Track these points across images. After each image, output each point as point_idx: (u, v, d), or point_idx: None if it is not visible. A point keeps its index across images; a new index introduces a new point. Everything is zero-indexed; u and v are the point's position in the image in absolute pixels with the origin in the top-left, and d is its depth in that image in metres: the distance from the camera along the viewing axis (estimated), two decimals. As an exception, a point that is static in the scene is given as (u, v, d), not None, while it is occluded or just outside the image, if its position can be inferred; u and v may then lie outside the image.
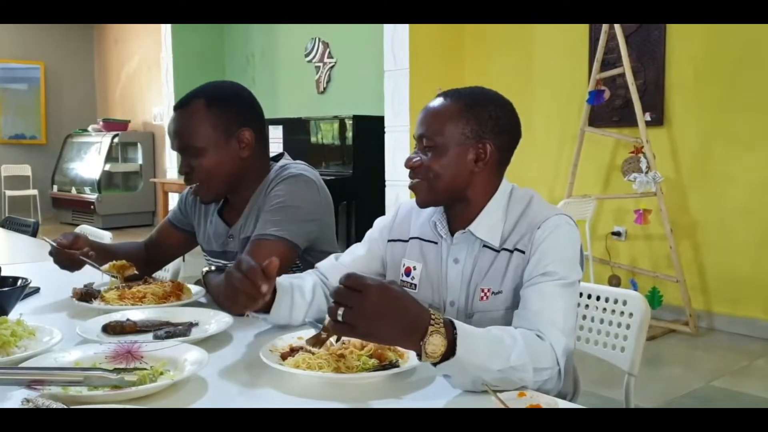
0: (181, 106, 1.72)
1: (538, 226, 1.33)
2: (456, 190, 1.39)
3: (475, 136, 1.37)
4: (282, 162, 1.85)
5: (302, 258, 1.76)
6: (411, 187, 1.43)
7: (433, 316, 1.06)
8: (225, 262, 1.85)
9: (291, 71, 7.35)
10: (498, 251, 1.37)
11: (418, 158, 1.39)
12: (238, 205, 1.83)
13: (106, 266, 1.75)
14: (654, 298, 4.19)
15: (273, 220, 1.69)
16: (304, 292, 1.47)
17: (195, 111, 1.70)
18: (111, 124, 9.67)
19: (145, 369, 1.10)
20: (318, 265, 1.59)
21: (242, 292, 1.24)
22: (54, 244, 1.75)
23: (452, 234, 1.43)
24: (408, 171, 1.43)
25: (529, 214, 1.37)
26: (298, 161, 1.87)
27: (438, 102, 1.40)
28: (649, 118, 4.37)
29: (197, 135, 1.69)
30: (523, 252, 1.34)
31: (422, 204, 1.44)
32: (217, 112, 1.71)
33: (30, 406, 0.94)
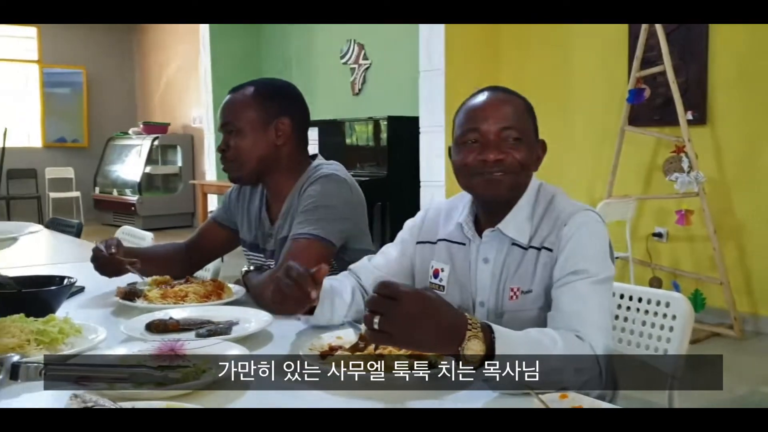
0: (233, 90, 1.86)
1: (564, 223, 1.32)
2: (524, 184, 1.41)
3: (537, 134, 1.41)
4: (315, 162, 1.89)
5: (337, 257, 1.78)
6: (491, 180, 1.35)
7: (470, 321, 1.05)
8: (263, 258, 1.90)
9: (326, 73, 7.40)
10: (526, 249, 1.36)
11: (503, 152, 1.34)
12: (277, 205, 1.88)
13: (149, 279, 1.79)
14: (697, 301, 4.11)
15: (308, 219, 1.73)
16: (343, 294, 1.48)
17: (243, 95, 1.83)
18: (151, 127, 9.85)
19: (187, 366, 1.11)
20: (351, 266, 1.60)
21: (291, 297, 1.29)
22: (121, 257, 1.78)
23: (480, 234, 1.42)
24: (481, 165, 1.35)
25: (554, 211, 1.36)
26: (331, 161, 1.90)
27: (503, 96, 1.39)
28: (690, 117, 4.29)
29: (239, 116, 1.80)
30: (551, 250, 1.32)
31: (502, 199, 1.38)
32: (262, 99, 1.82)
33: (77, 401, 0.96)
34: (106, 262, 1.78)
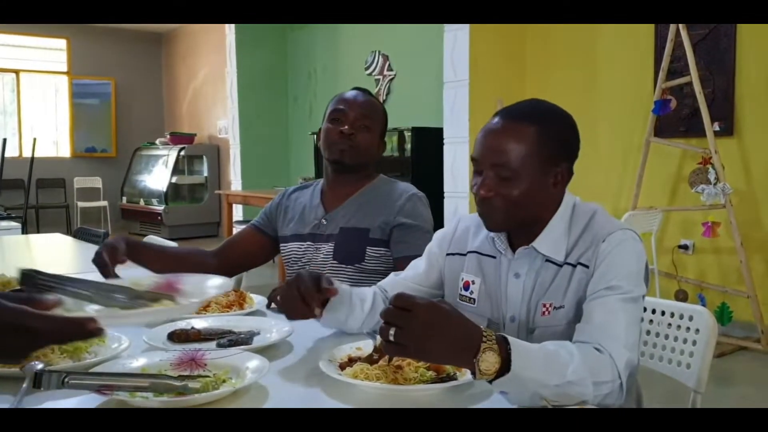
0: (366, 93, 2.11)
1: (602, 239, 1.31)
2: (532, 214, 1.36)
3: (553, 160, 1.34)
4: (385, 177, 2.10)
5: None
6: (482, 213, 1.38)
7: (485, 333, 1.05)
8: (302, 247, 2.00)
9: (351, 84, 7.31)
10: (561, 266, 1.34)
11: (491, 190, 1.32)
12: (339, 195, 2.02)
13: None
14: (723, 314, 4.05)
15: (423, 241, 1.86)
16: (365, 301, 1.50)
17: (376, 106, 2.09)
18: (178, 138, 9.96)
19: (208, 376, 1.12)
20: (379, 283, 1.62)
21: (297, 310, 1.37)
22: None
23: (512, 249, 1.41)
24: (476, 195, 1.37)
25: (593, 228, 1.34)
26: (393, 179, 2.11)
27: (508, 126, 1.32)
28: (717, 128, 4.25)
29: (373, 119, 2.03)
30: (587, 266, 1.31)
31: (496, 229, 1.39)
32: (383, 117, 2.10)
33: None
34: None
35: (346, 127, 1.96)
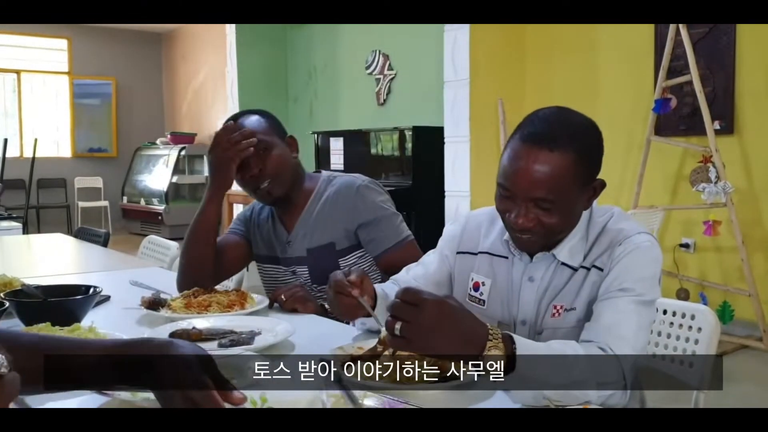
0: (246, 114, 1.97)
1: (619, 243, 1.30)
2: (566, 233, 1.34)
3: (589, 179, 1.31)
4: (326, 174, 2.02)
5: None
6: (518, 240, 1.33)
7: (491, 331, 1.05)
8: (281, 269, 1.98)
9: (352, 84, 7.42)
10: (576, 269, 1.33)
11: (531, 221, 1.26)
12: (292, 212, 1.97)
13: (179, 295, 1.78)
14: (725, 313, 4.05)
15: (393, 227, 1.90)
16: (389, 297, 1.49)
17: (259, 120, 1.94)
18: (178, 137, 9.96)
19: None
20: (393, 277, 1.61)
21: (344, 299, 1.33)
22: None
23: (528, 252, 1.39)
24: (509, 222, 1.31)
25: (610, 231, 1.33)
26: (340, 172, 2.04)
27: (545, 155, 1.23)
28: (718, 127, 4.24)
29: (265, 133, 1.89)
30: (602, 269, 1.30)
31: (530, 251, 1.37)
32: (272, 122, 1.96)
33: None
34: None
35: (252, 167, 1.87)
